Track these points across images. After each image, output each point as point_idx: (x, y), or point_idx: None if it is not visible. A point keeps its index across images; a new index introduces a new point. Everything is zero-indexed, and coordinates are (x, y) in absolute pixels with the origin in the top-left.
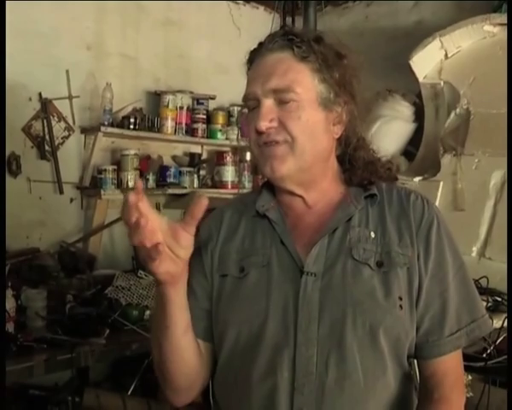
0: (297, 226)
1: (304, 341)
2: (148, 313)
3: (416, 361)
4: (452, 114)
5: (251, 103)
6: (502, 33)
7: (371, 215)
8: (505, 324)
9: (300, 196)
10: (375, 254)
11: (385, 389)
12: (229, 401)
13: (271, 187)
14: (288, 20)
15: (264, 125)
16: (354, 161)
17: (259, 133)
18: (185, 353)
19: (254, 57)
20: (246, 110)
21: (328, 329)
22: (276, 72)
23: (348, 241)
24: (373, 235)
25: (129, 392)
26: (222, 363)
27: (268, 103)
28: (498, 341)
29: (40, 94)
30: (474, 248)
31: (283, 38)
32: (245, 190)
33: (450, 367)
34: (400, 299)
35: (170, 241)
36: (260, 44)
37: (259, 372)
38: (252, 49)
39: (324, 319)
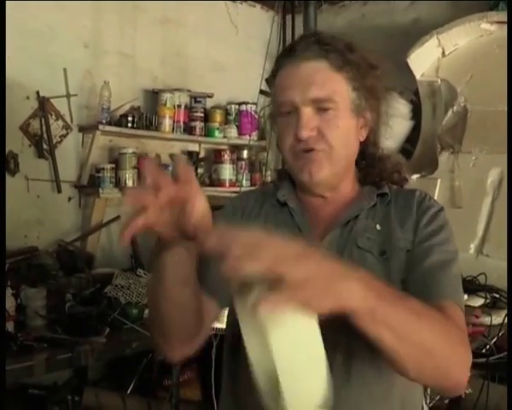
0: (313, 218)
1: None
2: (147, 311)
3: None
4: (449, 112)
5: (286, 109)
6: (499, 31)
7: (378, 210)
8: (506, 320)
9: (323, 196)
10: (379, 244)
11: (396, 379)
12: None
13: (291, 179)
14: (288, 18)
15: (306, 133)
16: (366, 159)
17: (298, 140)
18: (181, 306)
19: (284, 62)
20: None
21: None
22: (316, 81)
23: (355, 231)
24: (378, 227)
25: (128, 391)
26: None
27: (308, 112)
28: (497, 336)
29: (38, 92)
30: (472, 246)
31: (318, 47)
32: (243, 189)
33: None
34: (403, 283)
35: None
36: (290, 49)
37: None
38: (281, 52)
39: None
